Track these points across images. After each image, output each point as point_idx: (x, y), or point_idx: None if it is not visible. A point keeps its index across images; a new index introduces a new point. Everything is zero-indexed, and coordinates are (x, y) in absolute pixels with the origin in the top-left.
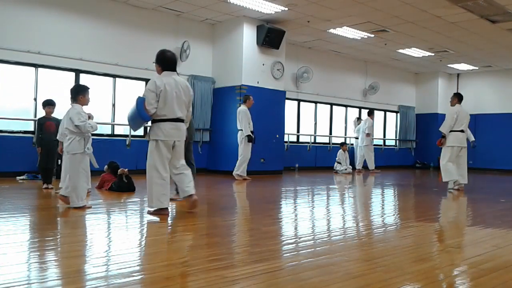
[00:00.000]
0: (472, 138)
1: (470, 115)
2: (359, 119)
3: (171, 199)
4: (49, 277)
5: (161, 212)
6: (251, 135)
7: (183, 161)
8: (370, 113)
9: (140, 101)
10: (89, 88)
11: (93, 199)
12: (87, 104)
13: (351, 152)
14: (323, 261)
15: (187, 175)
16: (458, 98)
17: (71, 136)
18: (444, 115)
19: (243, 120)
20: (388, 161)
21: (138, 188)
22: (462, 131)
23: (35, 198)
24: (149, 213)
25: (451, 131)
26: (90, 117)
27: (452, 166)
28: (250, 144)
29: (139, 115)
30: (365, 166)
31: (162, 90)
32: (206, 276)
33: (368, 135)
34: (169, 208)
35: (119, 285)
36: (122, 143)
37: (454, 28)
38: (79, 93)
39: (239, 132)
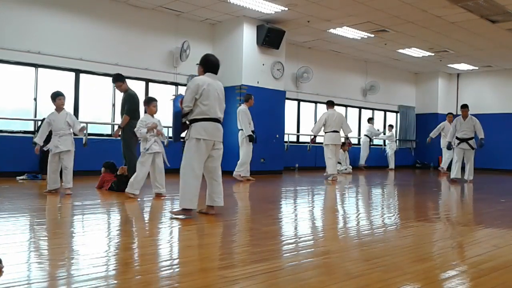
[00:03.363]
0: (481, 135)
1: (471, 115)
2: (390, 126)
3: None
4: (49, 277)
5: (186, 213)
6: (252, 135)
7: (219, 165)
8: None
9: (177, 98)
10: (156, 100)
11: (93, 199)
12: (154, 113)
13: (358, 151)
14: (323, 261)
15: (220, 184)
16: (328, 104)
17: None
18: (444, 115)
19: (243, 120)
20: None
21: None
22: (335, 131)
23: (35, 198)
24: (173, 212)
25: (326, 132)
26: (153, 126)
27: (334, 161)
28: (251, 144)
29: (173, 110)
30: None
31: (204, 89)
32: (206, 276)
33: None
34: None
35: (119, 285)
36: None
37: (454, 28)
38: (147, 103)
39: (240, 132)
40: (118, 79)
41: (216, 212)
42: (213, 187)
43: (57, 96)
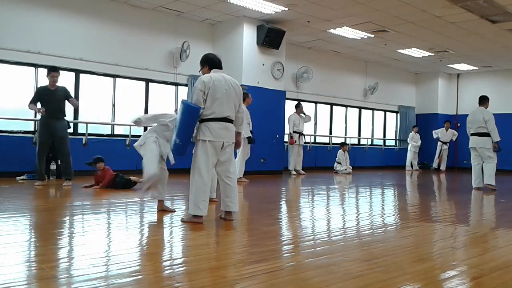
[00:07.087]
0: (496, 139)
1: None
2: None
3: None
4: (49, 277)
5: (196, 220)
6: (251, 136)
7: (234, 168)
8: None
9: (186, 101)
10: None
11: (94, 199)
12: None
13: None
14: (323, 261)
15: (234, 188)
16: (295, 107)
17: None
18: (444, 115)
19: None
20: (388, 161)
21: (137, 186)
22: (297, 132)
23: (35, 198)
24: (182, 220)
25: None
26: None
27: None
28: (249, 144)
29: (189, 112)
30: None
31: (210, 87)
32: (206, 276)
33: None
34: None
35: (119, 285)
36: (122, 143)
37: (454, 28)
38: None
39: None
40: (56, 70)
41: (234, 218)
42: (226, 191)
43: None
